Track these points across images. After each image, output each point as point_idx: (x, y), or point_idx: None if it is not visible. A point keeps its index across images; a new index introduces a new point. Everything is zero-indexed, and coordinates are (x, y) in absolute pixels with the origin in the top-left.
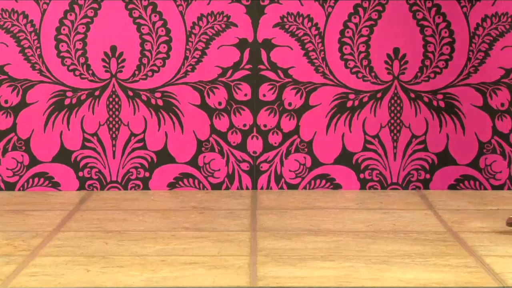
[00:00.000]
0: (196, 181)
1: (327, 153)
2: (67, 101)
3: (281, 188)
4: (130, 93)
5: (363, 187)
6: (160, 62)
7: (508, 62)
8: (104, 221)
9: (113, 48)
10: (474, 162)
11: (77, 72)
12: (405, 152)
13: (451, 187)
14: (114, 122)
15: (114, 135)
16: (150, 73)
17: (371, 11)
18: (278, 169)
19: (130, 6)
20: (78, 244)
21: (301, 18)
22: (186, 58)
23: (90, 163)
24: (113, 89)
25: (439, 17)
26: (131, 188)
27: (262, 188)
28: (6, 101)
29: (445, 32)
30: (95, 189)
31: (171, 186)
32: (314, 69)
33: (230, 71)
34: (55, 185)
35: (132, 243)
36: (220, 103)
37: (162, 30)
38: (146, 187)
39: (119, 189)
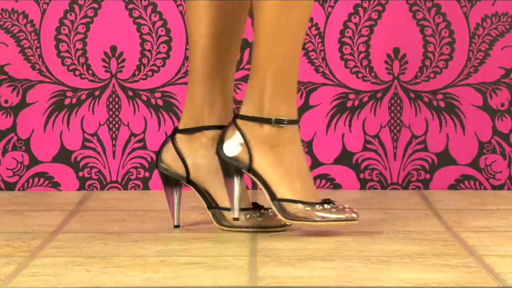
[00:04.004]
0: None
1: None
2: (67, 101)
3: None
4: (130, 93)
5: (363, 187)
6: (160, 62)
7: (508, 62)
8: (104, 222)
9: (113, 48)
10: (474, 162)
11: (77, 72)
12: (405, 152)
13: (451, 187)
14: (114, 122)
15: (114, 135)
16: (150, 73)
17: (371, 11)
18: None
19: (130, 6)
20: (78, 245)
21: None
22: (186, 58)
23: (90, 163)
24: (113, 89)
25: (439, 17)
26: (131, 188)
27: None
28: (6, 101)
29: (445, 32)
30: (95, 189)
31: None
32: (314, 69)
33: None
34: (55, 185)
35: (132, 244)
36: None
37: (162, 30)
38: (146, 187)
39: (119, 189)
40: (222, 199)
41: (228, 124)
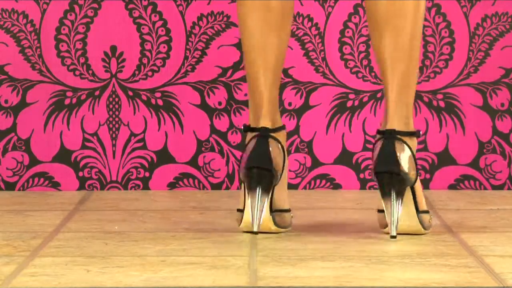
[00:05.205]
0: (196, 181)
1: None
2: (67, 101)
3: None
4: (130, 93)
5: (363, 187)
6: (160, 62)
7: (508, 62)
8: (104, 222)
9: (113, 48)
10: (474, 162)
11: (77, 72)
12: None
13: (451, 187)
14: (114, 122)
15: (114, 135)
16: (150, 73)
17: None
18: None
19: (130, 6)
20: (78, 244)
21: (301, 18)
22: (186, 58)
23: (90, 163)
24: (113, 89)
25: (439, 17)
26: (131, 188)
27: None
28: (6, 101)
29: (445, 32)
30: (95, 189)
31: (171, 186)
32: (314, 69)
33: (230, 71)
34: (55, 185)
35: (132, 244)
36: (220, 103)
37: (162, 30)
38: (146, 187)
39: (119, 189)
40: (280, 201)
41: (389, 138)
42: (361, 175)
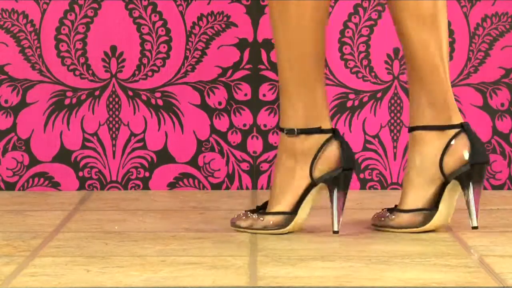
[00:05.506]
0: (196, 181)
1: None
2: (67, 101)
3: None
4: (130, 93)
5: (363, 187)
6: (160, 62)
7: (508, 62)
8: (104, 222)
9: (113, 48)
10: None
11: (77, 72)
12: (405, 152)
13: None
14: (114, 122)
15: (114, 135)
16: (150, 73)
17: (371, 11)
18: None
19: (130, 6)
20: (78, 244)
21: None
22: (186, 58)
23: (90, 163)
24: (113, 89)
25: None
26: (131, 188)
27: (262, 188)
28: (6, 101)
29: None
30: (95, 189)
31: (171, 186)
32: None
33: (230, 71)
34: (55, 185)
35: (132, 244)
36: (220, 103)
37: (162, 30)
38: (146, 187)
39: (119, 189)
40: None
41: (470, 130)
42: (361, 175)
